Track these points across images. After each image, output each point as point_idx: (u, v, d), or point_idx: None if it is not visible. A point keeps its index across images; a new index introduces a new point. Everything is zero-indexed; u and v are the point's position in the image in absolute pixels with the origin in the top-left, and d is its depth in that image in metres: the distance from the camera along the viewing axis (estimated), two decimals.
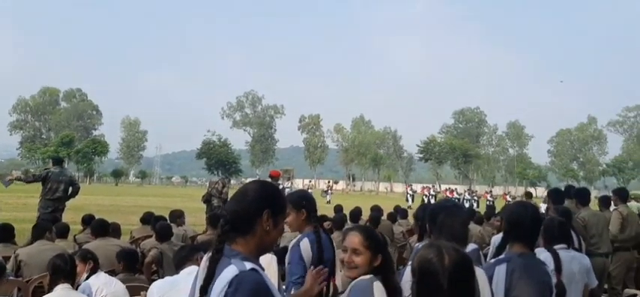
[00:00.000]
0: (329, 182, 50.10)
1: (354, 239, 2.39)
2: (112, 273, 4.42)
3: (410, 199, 38.36)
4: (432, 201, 32.29)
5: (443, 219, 2.61)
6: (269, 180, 11.37)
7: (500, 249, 2.88)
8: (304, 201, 3.12)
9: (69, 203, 9.82)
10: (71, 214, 10.22)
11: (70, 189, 9.61)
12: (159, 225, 6.03)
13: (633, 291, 6.03)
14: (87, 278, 3.97)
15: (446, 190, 49.15)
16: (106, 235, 5.56)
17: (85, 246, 5.38)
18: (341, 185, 76.94)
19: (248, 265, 1.67)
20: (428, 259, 1.71)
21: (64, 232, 6.05)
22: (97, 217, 6.77)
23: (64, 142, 68.09)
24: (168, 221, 6.73)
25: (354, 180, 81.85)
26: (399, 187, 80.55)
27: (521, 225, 2.77)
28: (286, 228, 3.08)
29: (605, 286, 6.54)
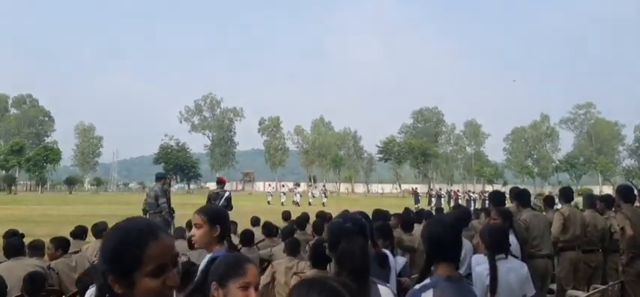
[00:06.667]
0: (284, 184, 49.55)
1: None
2: None
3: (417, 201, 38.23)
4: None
5: (344, 247, 2.39)
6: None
7: (424, 272, 2.65)
8: (222, 218, 2.84)
9: (6, 214, 9.26)
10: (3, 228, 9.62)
11: None
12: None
13: (576, 292, 5.91)
14: None
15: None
16: (20, 255, 5.10)
17: None
18: (302, 187, 76.56)
19: None
20: None
21: None
22: (39, 231, 6.33)
23: (14, 150, 65.34)
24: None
25: (315, 181, 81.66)
26: (359, 188, 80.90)
27: (443, 244, 2.57)
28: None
29: (553, 287, 6.40)
